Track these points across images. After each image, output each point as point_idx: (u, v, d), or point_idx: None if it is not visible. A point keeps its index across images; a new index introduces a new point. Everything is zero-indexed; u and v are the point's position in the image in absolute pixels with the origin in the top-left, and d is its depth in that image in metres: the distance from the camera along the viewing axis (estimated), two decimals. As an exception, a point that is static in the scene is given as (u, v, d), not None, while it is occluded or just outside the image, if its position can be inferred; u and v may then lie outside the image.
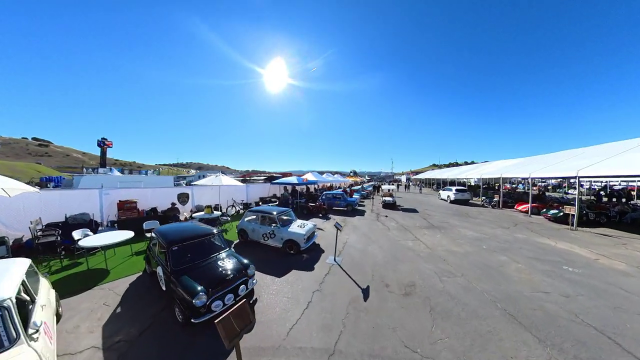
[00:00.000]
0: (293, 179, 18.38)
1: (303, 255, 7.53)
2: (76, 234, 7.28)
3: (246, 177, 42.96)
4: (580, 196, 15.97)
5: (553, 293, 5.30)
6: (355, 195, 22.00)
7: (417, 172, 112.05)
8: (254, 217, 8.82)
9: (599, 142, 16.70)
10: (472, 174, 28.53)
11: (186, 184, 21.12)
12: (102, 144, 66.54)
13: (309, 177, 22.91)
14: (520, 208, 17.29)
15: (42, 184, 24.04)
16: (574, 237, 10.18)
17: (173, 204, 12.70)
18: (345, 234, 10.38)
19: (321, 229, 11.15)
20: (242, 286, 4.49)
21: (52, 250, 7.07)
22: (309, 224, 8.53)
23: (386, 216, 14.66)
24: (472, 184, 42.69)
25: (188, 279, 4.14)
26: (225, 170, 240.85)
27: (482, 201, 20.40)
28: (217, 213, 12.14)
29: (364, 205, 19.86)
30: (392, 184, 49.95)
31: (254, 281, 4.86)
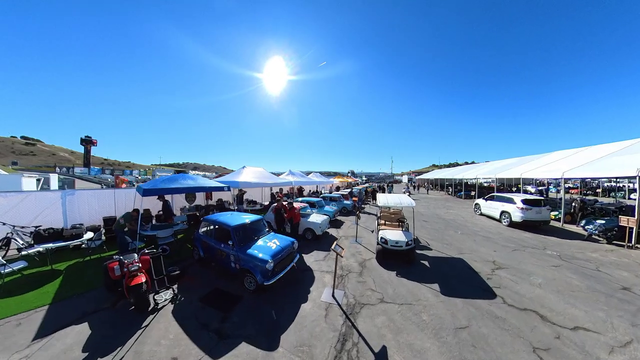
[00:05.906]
0: (190, 181, 8.76)
1: None
2: None
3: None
4: None
5: None
6: (315, 218, 10.54)
7: (419, 173, 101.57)
8: None
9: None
10: (526, 169, 16.64)
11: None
12: (86, 142, 57.65)
13: (245, 177, 12.35)
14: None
15: None
16: None
17: None
18: None
19: None
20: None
21: None
22: None
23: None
24: (469, 184, 31.73)
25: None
26: (218, 170, 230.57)
27: (592, 231, 9.68)
28: None
29: (331, 244, 8.84)
30: (394, 186, 38.16)
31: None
